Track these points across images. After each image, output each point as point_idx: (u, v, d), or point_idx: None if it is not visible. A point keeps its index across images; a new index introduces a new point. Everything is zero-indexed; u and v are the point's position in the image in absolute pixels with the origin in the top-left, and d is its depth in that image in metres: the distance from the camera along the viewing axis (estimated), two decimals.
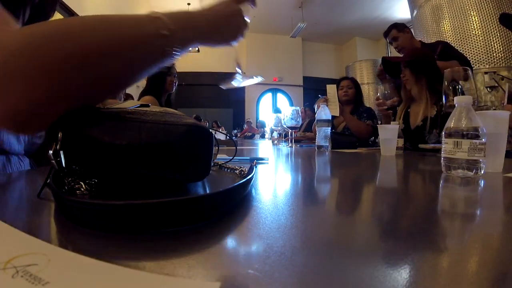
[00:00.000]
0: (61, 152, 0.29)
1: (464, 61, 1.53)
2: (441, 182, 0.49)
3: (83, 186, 0.29)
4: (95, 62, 0.29)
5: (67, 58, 0.27)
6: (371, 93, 5.52)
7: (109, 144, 0.30)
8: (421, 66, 1.32)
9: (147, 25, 0.32)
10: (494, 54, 2.72)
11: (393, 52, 1.98)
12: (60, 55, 0.27)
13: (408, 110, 1.43)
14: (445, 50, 1.67)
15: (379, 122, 1.69)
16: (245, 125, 6.04)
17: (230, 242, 0.21)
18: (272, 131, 2.32)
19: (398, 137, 1.08)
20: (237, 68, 0.55)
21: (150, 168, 0.31)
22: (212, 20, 0.39)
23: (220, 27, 0.40)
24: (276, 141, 2.04)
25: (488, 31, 2.76)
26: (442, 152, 0.54)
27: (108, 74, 0.31)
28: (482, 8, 2.80)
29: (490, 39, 2.74)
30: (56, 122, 0.31)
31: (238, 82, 0.56)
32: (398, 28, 1.83)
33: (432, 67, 1.30)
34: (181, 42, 0.35)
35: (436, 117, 1.27)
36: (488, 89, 2.64)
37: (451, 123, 0.53)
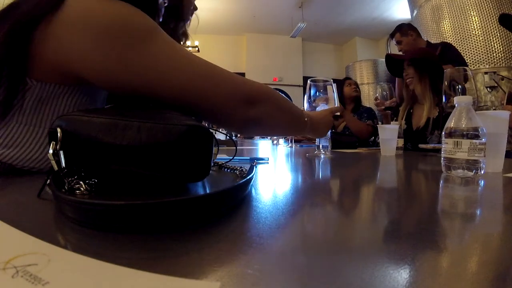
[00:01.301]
0: (61, 152, 0.29)
1: (460, 64, 1.53)
2: (441, 182, 0.49)
3: (83, 186, 0.29)
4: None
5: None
6: (371, 93, 5.51)
7: (109, 144, 0.30)
8: (425, 64, 1.31)
9: (301, 112, 0.64)
10: (494, 54, 2.71)
11: (394, 52, 2.00)
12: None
13: (411, 110, 1.43)
14: (444, 52, 1.66)
15: (380, 122, 1.69)
16: None
17: (230, 242, 0.21)
18: None
19: (398, 137, 1.08)
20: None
21: (150, 168, 0.31)
22: (317, 123, 0.71)
23: (319, 128, 0.73)
24: (275, 141, 2.04)
25: (488, 31, 2.75)
26: (442, 152, 0.54)
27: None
28: (482, 8, 2.79)
29: (490, 39, 2.74)
30: (56, 122, 0.31)
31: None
32: (401, 32, 1.84)
33: (436, 66, 1.30)
34: (307, 128, 0.65)
35: (438, 118, 1.26)
36: (488, 89, 2.64)
37: (451, 123, 0.53)
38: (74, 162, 0.31)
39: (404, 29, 1.85)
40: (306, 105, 0.93)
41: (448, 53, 1.69)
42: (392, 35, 1.91)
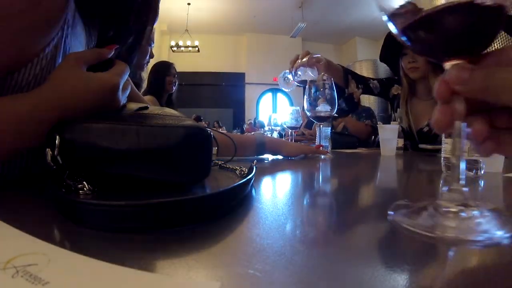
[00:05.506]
0: (59, 157, 0.29)
1: None
2: (441, 182, 0.49)
3: (86, 186, 0.29)
4: None
5: None
6: None
7: (108, 149, 0.30)
8: None
9: None
10: None
11: None
12: None
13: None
14: None
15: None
16: (246, 125, 6.05)
17: (230, 242, 0.21)
18: (272, 131, 2.32)
19: (399, 137, 1.08)
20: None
21: (149, 171, 0.31)
22: None
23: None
24: None
25: None
26: (442, 152, 0.54)
27: None
28: None
29: None
30: (53, 128, 0.31)
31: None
32: None
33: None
34: None
35: None
36: None
37: None
38: (73, 168, 0.31)
39: None
40: (306, 105, 0.92)
41: None
42: None
